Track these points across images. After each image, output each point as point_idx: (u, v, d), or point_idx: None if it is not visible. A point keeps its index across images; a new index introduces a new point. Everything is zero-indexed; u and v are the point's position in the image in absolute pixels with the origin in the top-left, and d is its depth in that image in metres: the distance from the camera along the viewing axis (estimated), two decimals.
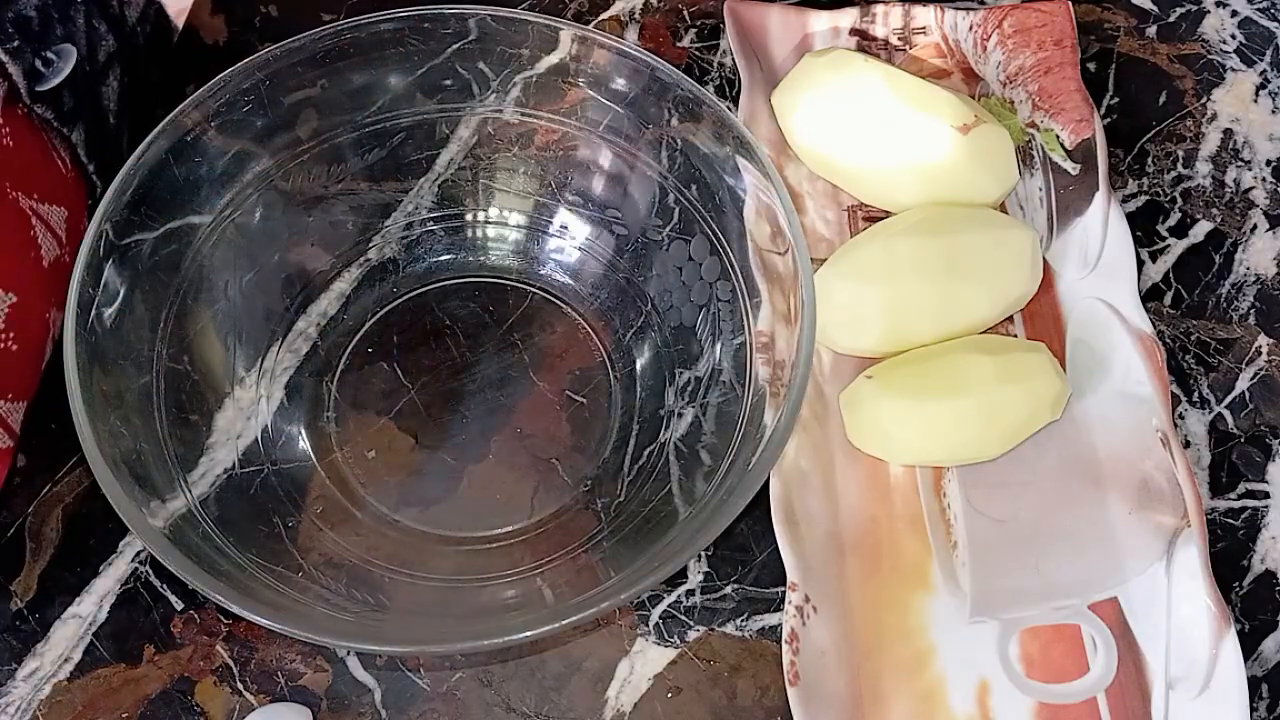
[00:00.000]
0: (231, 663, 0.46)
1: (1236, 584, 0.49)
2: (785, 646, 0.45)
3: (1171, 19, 0.63)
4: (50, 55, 0.46)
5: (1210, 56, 0.62)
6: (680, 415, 0.49)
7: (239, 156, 0.48)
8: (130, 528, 0.38)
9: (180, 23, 0.60)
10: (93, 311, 0.42)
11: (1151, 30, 0.63)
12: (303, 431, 0.49)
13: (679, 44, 0.61)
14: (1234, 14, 0.63)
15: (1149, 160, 0.59)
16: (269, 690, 0.46)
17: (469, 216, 0.54)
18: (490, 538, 0.48)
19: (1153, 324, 0.51)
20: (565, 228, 0.53)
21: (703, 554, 0.49)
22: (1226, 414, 0.53)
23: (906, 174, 0.53)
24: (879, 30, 0.60)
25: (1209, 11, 0.64)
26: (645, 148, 0.50)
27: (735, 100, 0.58)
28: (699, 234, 0.49)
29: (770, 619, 0.48)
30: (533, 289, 0.53)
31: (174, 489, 0.42)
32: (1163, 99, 0.61)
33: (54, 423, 0.49)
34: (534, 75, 0.50)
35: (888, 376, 0.49)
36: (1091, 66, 0.61)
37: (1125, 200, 0.58)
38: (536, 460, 0.49)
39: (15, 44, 0.44)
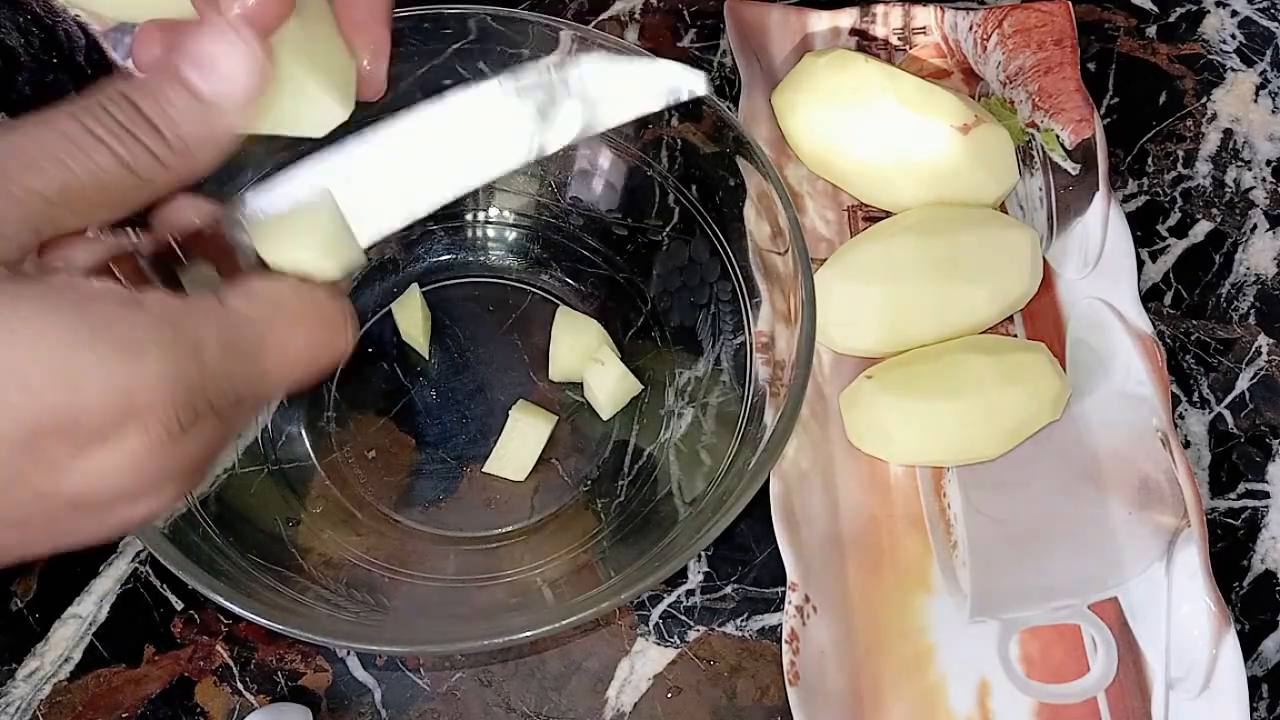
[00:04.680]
0: (231, 663, 0.46)
1: (1236, 584, 0.49)
2: (785, 646, 0.45)
3: (1171, 19, 0.63)
4: None
5: (1210, 56, 0.62)
6: (680, 415, 0.49)
7: (239, 156, 0.47)
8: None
9: None
10: None
11: (1151, 30, 0.63)
12: (303, 431, 0.49)
13: (679, 44, 0.61)
14: (1234, 14, 0.63)
15: (1149, 160, 0.59)
16: (269, 690, 0.46)
17: (469, 216, 0.54)
18: (490, 538, 0.48)
19: (1153, 324, 0.51)
20: (565, 228, 0.53)
21: (703, 554, 0.49)
22: (1226, 414, 0.53)
23: (906, 174, 0.53)
24: (879, 30, 0.60)
25: (1209, 11, 0.64)
26: (645, 148, 0.50)
27: (735, 100, 0.58)
28: (699, 234, 0.49)
29: (770, 619, 0.48)
30: (533, 289, 0.53)
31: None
32: (1163, 99, 0.61)
33: None
34: None
35: (888, 376, 0.49)
36: (1091, 66, 0.61)
37: (1125, 200, 0.58)
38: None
39: None
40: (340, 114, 0.30)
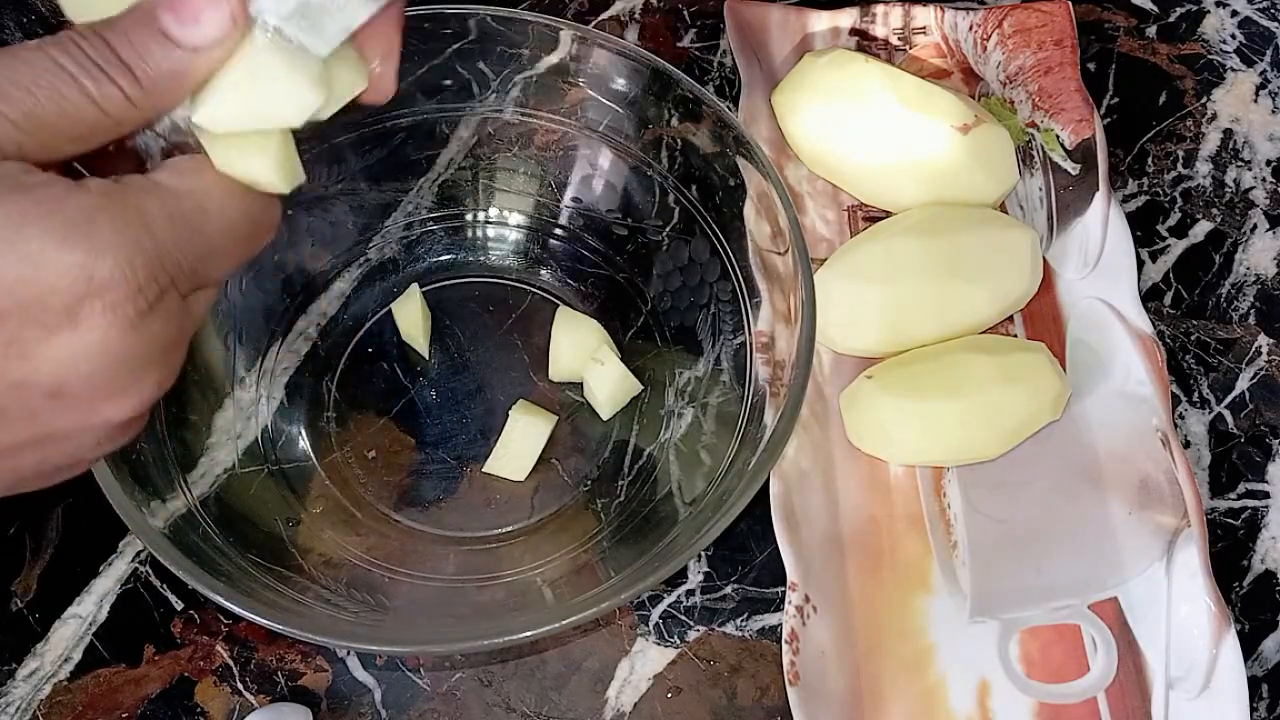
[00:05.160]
0: (231, 663, 0.46)
1: (1236, 584, 0.49)
2: (785, 646, 0.45)
3: (1171, 19, 0.63)
4: None
5: (1210, 56, 0.62)
6: (680, 415, 0.49)
7: None
8: (130, 528, 0.38)
9: None
10: None
11: (1151, 30, 0.63)
12: (303, 431, 0.49)
13: (679, 44, 0.61)
14: (1234, 14, 0.63)
15: (1149, 160, 0.59)
16: (269, 690, 0.46)
17: (469, 216, 0.54)
18: (490, 538, 0.48)
19: (1153, 324, 0.51)
20: (565, 228, 0.53)
21: (703, 554, 0.49)
22: (1226, 414, 0.53)
23: (906, 174, 0.53)
24: (879, 30, 0.60)
25: (1209, 11, 0.64)
26: (645, 148, 0.50)
27: (735, 100, 0.58)
28: (699, 234, 0.49)
29: (770, 619, 0.48)
30: (533, 289, 0.53)
31: (174, 489, 0.42)
32: (1163, 99, 0.61)
33: None
34: (534, 75, 0.50)
35: (888, 376, 0.49)
36: (1091, 66, 0.61)
37: (1125, 200, 0.58)
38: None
39: None
40: (317, 101, 0.30)
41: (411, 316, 0.51)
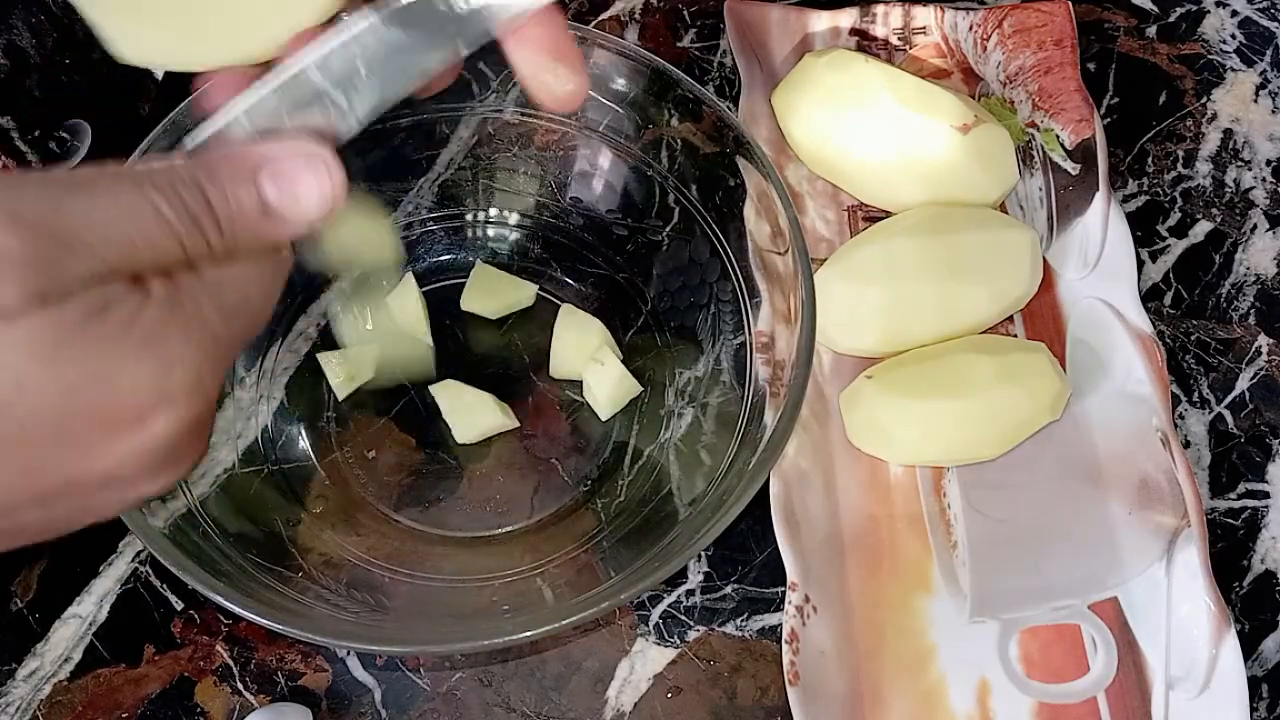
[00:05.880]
0: (231, 663, 0.46)
1: (1236, 584, 0.49)
2: (785, 646, 0.45)
3: (1171, 19, 0.63)
4: (64, 135, 0.50)
5: (1210, 56, 0.62)
6: (680, 415, 0.49)
7: None
8: (130, 528, 0.38)
9: None
10: None
11: (1151, 30, 0.63)
12: (303, 431, 0.49)
13: (679, 44, 0.61)
14: (1234, 14, 0.63)
15: (1149, 160, 0.59)
16: (269, 690, 0.46)
17: (469, 216, 0.54)
18: (490, 538, 0.48)
19: (1153, 324, 0.51)
20: (565, 228, 0.53)
21: (703, 554, 0.49)
22: (1226, 414, 0.53)
23: (906, 174, 0.53)
24: (879, 30, 0.60)
25: (1209, 11, 0.64)
26: (645, 148, 0.50)
27: (735, 100, 0.58)
28: (699, 234, 0.49)
29: (770, 619, 0.48)
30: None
31: (174, 489, 0.41)
32: (1163, 99, 0.61)
33: None
34: None
35: (888, 376, 0.49)
36: (1091, 66, 0.61)
37: (1125, 200, 0.58)
38: (536, 460, 0.49)
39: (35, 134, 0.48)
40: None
41: (409, 306, 0.51)
